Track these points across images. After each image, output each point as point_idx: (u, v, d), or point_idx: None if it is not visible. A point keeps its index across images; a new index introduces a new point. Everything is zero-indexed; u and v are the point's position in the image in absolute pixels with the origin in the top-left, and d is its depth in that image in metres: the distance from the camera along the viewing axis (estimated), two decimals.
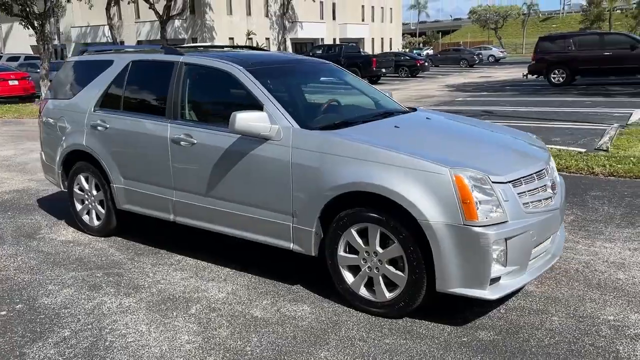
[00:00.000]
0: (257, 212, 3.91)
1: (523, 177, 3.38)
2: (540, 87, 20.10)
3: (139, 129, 4.55)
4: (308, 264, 4.28)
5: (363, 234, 3.47)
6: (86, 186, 5.14)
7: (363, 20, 59.76)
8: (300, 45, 51.13)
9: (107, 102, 4.91)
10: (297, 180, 3.64)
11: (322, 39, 52.84)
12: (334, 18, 55.74)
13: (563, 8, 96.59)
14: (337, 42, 54.17)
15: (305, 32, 51.01)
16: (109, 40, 40.31)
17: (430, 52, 56.19)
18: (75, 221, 5.39)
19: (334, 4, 55.59)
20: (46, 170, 5.68)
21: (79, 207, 5.28)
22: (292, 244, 3.79)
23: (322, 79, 4.97)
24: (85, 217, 5.25)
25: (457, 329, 3.31)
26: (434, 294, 3.30)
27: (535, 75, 20.91)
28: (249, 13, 46.72)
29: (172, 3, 35.41)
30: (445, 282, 3.17)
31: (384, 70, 26.44)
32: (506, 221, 3.15)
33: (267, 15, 48.67)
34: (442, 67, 39.55)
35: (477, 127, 4.37)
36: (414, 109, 4.72)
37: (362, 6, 59.60)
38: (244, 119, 3.69)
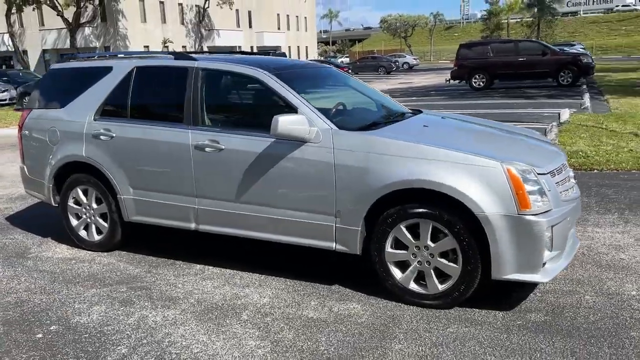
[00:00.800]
0: (296, 215, 3.92)
1: (555, 169, 3.67)
2: (464, 91, 21.25)
3: (153, 136, 4.41)
4: (335, 263, 4.35)
5: (411, 229, 3.60)
6: (84, 199, 4.88)
7: (279, 28, 60.10)
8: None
9: (110, 110, 4.71)
10: (342, 181, 3.71)
11: (240, 47, 52.59)
12: (250, 26, 55.63)
13: (463, 18, 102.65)
14: (255, 50, 54.23)
15: (222, 40, 50.47)
16: (10, 49, 37.78)
17: (346, 59, 57.47)
18: (67, 237, 5.10)
19: (249, 12, 55.50)
20: (30, 185, 5.32)
21: (74, 222, 4.99)
22: (334, 244, 3.85)
23: (330, 81, 5.06)
24: (83, 233, 4.98)
25: (507, 313, 3.52)
26: (485, 282, 3.50)
27: (458, 80, 22.10)
28: (164, 21, 45.56)
29: (82, 10, 33.85)
30: (500, 269, 3.37)
31: None
32: (551, 209, 3.40)
33: (182, 23, 47.69)
34: (361, 74, 40.57)
35: (491, 125, 4.65)
36: (420, 111, 4.91)
37: (278, 15, 59.94)
38: (286, 122, 3.71)
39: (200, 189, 4.26)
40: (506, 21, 59.37)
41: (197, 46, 48.68)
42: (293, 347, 3.19)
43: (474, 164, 3.41)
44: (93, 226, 4.91)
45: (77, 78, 5.02)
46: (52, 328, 3.52)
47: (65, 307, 3.81)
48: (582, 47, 39.21)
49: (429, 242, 3.55)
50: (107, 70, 4.79)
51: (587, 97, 15.73)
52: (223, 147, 4.11)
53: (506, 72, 20.78)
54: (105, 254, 4.87)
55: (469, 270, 3.45)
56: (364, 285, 3.97)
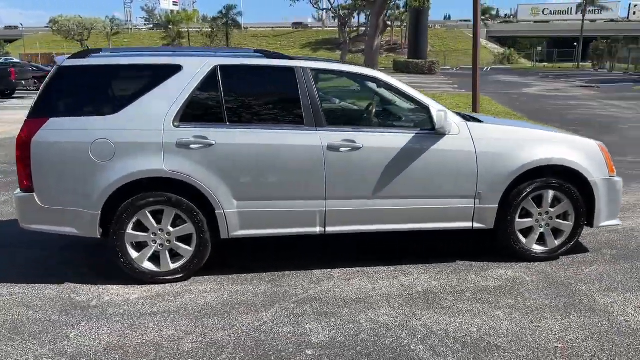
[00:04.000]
0: (438, 202, 4.33)
1: None
2: None
3: (271, 141, 4.08)
4: (406, 244, 4.89)
5: (533, 200, 4.47)
6: (154, 223, 4.07)
7: None
8: None
9: (196, 114, 4.08)
10: (483, 166, 4.31)
11: None
12: None
13: (128, 23, 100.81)
14: None
15: None
16: None
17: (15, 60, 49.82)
18: (89, 275, 4.28)
19: None
20: (43, 218, 4.03)
21: (134, 254, 4.09)
22: (472, 223, 4.41)
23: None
24: (148, 265, 4.13)
25: (593, 253, 4.74)
26: None
27: None
28: None
29: None
30: (599, 219, 4.56)
31: (23, 82, 23.17)
32: None
33: None
34: None
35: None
36: None
37: None
38: (448, 117, 4.13)
39: (331, 191, 4.18)
40: (186, 30, 61.53)
41: None
42: (535, 304, 3.73)
43: (580, 143, 4.53)
44: (167, 253, 4.14)
45: (123, 78, 4.13)
46: (309, 352, 3.16)
47: (275, 333, 3.37)
48: None
49: (549, 208, 4.49)
50: (175, 69, 4.10)
51: None
52: (361, 145, 4.16)
53: None
54: (186, 282, 4.18)
55: (580, 225, 4.54)
56: (474, 256, 4.64)
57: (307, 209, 4.20)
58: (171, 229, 4.11)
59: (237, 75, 4.22)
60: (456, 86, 28.26)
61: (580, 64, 56.29)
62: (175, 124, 4.01)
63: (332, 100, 5.19)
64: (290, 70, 4.21)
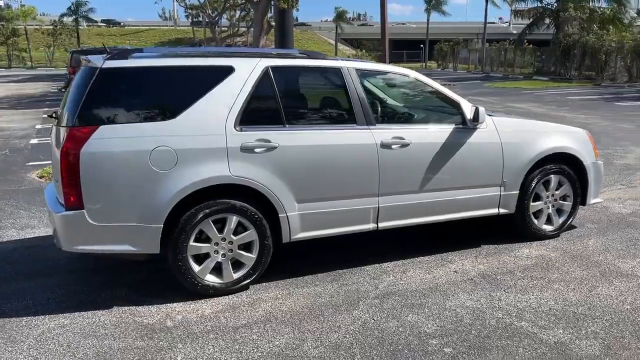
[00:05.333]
0: (473, 192, 4.66)
1: None
2: None
3: (330, 141, 4.09)
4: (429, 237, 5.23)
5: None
6: (217, 233, 3.87)
7: None
8: None
9: (254, 117, 3.94)
10: (507, 156, 4.73)
11: None
12: None
13: None
14: None
15: None
16: None
17: None
18: (137, 293, 3.92)
19: None
20: (93, 238, 3.61)
21: (196, 267, 3.85)
22: (498, 209, 4.82)
23: None
24: (210, 277, 3.91)
25: (582, 228, 5.41)
26: None
27: None
28: None
29: None
30: (589, 198, 5.24)
31: None
32: None
33: None
34: None
35: None
36: None
37: None
38: (484, 112, 4.48)
39: (384, 187, 4.30)
40: (23, 27, 55.56)
41: None
42: (578, 276, 4.21)
43: (575, 131, 5.16)
44: (229, 263, 3.95)
45: (173, 80, 3.83)
46: (434, 342, 3.28)
47: (386, 328, 3.44)
48: None
49: (555, 192, 5.06)
50: (227, 70, 3.93)
51: None
52: (409, 142, 4.34)
53: None
54: (249, 292, 4.02)
55: (577, 204, 5.17)
56: (491, 240, 5.07)
57: (362, 206, 4.27)
58: (234, 238, 3.93)
59: (288, 76, 4.16)
60: None
61: (427, 64, 61.27)
62: (237, 127, 3.84)
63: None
64: (338, 70, 4.25)
